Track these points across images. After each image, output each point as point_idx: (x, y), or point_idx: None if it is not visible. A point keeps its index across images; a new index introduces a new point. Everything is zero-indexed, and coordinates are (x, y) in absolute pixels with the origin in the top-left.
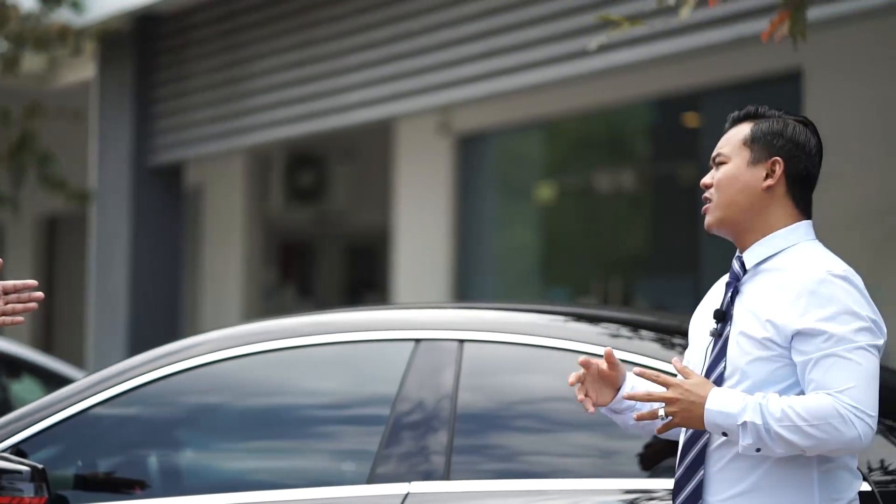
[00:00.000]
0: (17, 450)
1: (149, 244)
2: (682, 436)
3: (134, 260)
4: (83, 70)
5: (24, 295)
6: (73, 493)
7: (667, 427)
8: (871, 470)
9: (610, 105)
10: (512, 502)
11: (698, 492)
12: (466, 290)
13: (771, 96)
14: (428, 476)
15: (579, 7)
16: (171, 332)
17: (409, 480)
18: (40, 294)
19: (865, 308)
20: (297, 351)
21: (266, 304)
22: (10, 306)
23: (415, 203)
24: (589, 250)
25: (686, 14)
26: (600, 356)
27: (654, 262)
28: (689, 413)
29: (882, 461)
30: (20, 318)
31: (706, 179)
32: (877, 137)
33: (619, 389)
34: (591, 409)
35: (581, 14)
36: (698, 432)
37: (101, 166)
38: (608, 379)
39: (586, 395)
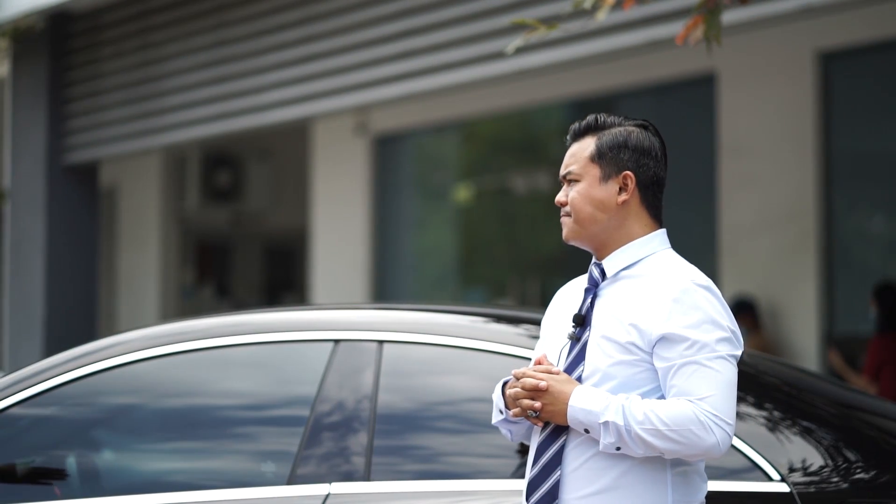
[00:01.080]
0: None
1: (64, 243)
2: (535, 437)
3: (49, 259)
4: None
5: None
6: None
7: (535, 421)
8: (791, 471)
9: (526, 107)
10: (433, 503)
11: (554, 491)
12: (384, 290)
13: (685, 99)
14: (348, 477)
15: (495, 9)
16: (88, 332)
17: (329, 481)
18: None
19: (726, 319)
20: (215, 351)
21: (184, 303)
22: None
23: (332, 203)
24: (506, 251)
25: (602, 17)
26: (523, 357)
27: (570, 262)
28: (552, 408)
29: (803, 462)
30: None
31: (560, 197)
32: (790, 141)
33: None
34: (540, 423)
35: (497, 16)
36: (554, 434)
37: (15, 165)
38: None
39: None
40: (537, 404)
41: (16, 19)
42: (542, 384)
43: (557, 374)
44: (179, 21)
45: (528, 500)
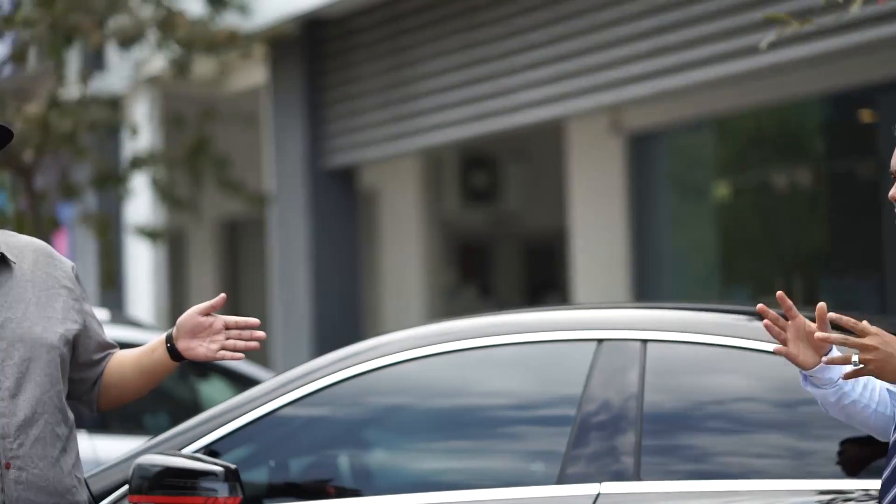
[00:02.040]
0: (209, 450)
1: (327, 246)
2: (892, 434)
3: (314, 262)
4: (254, 75)
5: (246, 333)
6: (267, 493)
7: (857, 374)
8: None
9: (784, 101)
10: (705, 503)
11: None
12: (645, 289)
13: None
14: (618, 476)
15: (748, 4)
16: (354, 333)
17: (599, 481)
18: (262, 334)
19: None
20: (480, 351)
21: (448, 304)
22: (231, 342)
23: (589, 202)
24: (768, 249)
25: (856, 10)
26: None
27: (835, 261)
28: (884, 364)
29: None
30: (240, 355)
31: (893, 192)
32: None
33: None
34: (783, 350)
35: (750, 11)
36: None
37: (277, 170)
38: (814, 343)
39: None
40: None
41: (270, 27)
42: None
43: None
44: (431, 24)
45: (881, 501)
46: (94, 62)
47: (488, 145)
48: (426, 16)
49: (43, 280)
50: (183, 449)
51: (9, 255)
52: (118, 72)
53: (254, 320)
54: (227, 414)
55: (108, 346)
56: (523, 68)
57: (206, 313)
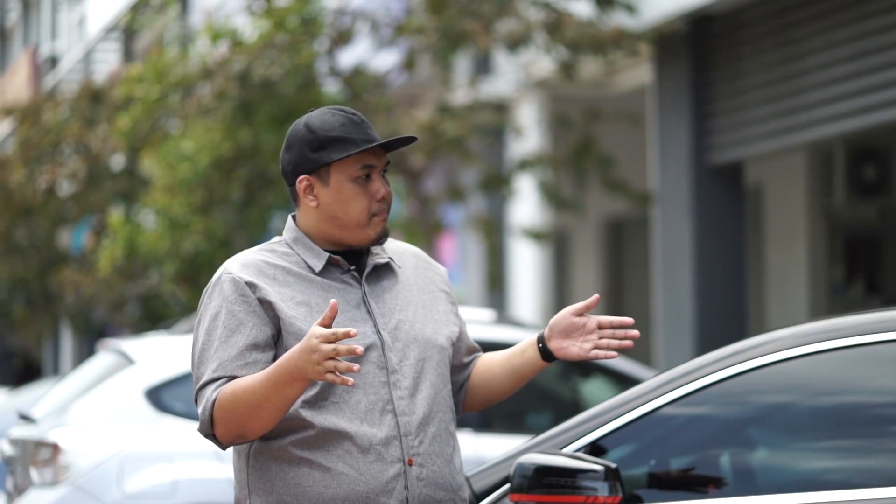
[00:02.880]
0: (591, 448)
1: (712, 244)
2: None
3: (698, 260)
4: (640, 75)
5: (620, 332)
6: (646, 492)
7: None
8: None
9: None
10: None
11: None
12: None
13: None
14: None
15: None
16: (738, 331)
17: None
18: (636, 332)
19: None
20: (868, 348)
21: (833, 300)
22: (604, 341)
23: None
24: None
25: None
26: None
27: None
28: None
29: None
30: (613, 353)
31: None
32: None
33: None
34: None
35: None
36: None
37: (662, 168)
38: None
39: None
40: None
41: (658, 24)
42: None
43: None
44: (820, 15)
45: None
46: (482, 67)
47: (878, 137)
48: (815, 7)
49: (425, 284)
50: (564, 448)
51: (394, 261)
52: (505, 75)
53: (628, 319)
54: (608, 413)
55: (474, 350)
56: None
57: (580, 313)
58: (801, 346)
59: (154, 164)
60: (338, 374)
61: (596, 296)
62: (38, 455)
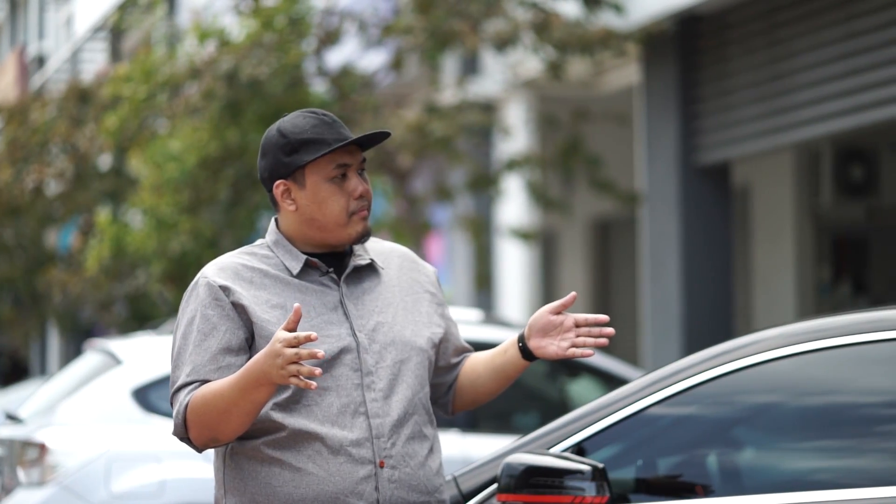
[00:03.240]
0: (579, 449)
1: (699, 244)
2: None
3: (685, 260)
4: (627, 75)
5: (595, 330)
6: (634, 493)
7: None
8: None
9: None
10: None
11: None
12: None
13: None
14: None
15: None
16: (725, 331)
17: None
18: (611, 330)
19: None
20: (854, 348)
21: (821, 300)
22: (581, 339)
23: None
24: None
25: None
26: None
27: None
28: None
29: None
30: (590, 352)
31: None
32: None
33: None
34: None
35: None
36: None
37: (649, 168)
38: None
39: None
40: None
41: (645, 25)
42: None
43: None
44: (807, 16)
45: None
46: (470, 67)
47: (865, 137)
48: (802, 7)
49: (408, 285)
50: (551, 448)
51: (377, 262)
52: (492, 75)
53: (602, 317)
54: (595, 413)
55: (464, 350)
56: None
57: (557, 312)
58: (789, 347)
59: (141, 164)
60: (301, 378)
61: (573, 293)
62: (26, 455)
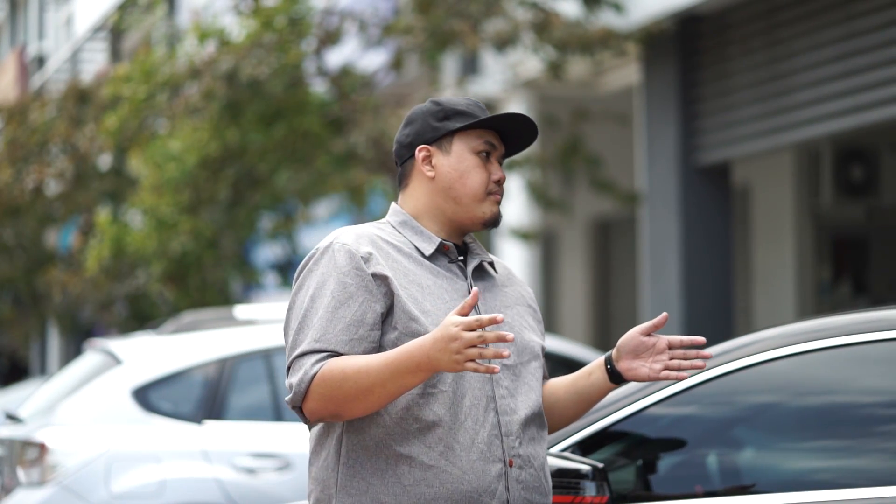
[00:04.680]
0: (579, 448)
1: (699, 244)
2: None
3: (685, 260)
4: (627, 75)
5: (691, 352)
6: (634, 492)
7: None
8: None
9: None
10: None
11: None
12: None
13: None
14: None
15: None
16: (725, 331)
17: None
18: (709, 352)
19: None
20: (854, 348)
21: (821, 300)
22: (675, 362)
23: None
24: None
25: None
26: None
27: None
28: None
29: None
30: (684, 375)
31: None
32: None
33: None
34: None
35: None
36: None
37: (649, 168)
38: None
39: None
40: None
41: (645, 24)
42: None
43: None
44: (807, 16)
45: None
46: (470, 67)
47: (865, 137)
48: (802, 8)
49: (516, 294)
50: (552, 447)
51: (493, 265)
52: (492, 75)
53: (699, 339)
54: (596, 412)
55: (545, 375)
56: None
57: (648, 333)
58: (789, 346)
59: (141, 164)
60: (479, 362)
61: (664, 314)
62: (26, 455)
